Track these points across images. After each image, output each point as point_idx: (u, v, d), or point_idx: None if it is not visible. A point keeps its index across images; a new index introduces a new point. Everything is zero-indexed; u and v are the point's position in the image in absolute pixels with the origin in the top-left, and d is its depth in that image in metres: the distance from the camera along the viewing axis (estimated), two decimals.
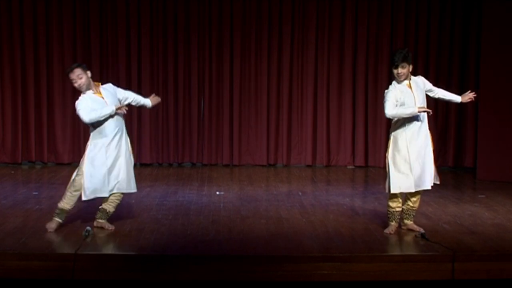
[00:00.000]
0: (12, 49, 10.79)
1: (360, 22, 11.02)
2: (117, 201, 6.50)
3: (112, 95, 6.41)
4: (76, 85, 6.28)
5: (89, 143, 6.34)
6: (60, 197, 6.47)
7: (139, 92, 10.65)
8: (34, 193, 8.39)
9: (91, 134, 6.34)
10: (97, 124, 6.26)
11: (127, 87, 10.52)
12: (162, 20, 10.94)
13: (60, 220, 6.40)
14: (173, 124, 11.03)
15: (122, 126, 6.42)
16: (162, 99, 10.78)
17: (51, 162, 11.00)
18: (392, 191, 6.26)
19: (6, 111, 10.87)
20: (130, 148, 6.52)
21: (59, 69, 10.79)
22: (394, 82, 6.31)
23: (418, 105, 6.19)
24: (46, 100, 10.88)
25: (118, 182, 6.36)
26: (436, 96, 6.52)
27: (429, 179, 6.29)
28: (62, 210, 6.37)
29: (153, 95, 6.92)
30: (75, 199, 6.33)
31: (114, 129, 6.31)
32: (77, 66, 6.29)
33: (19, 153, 10.91)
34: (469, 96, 6.49)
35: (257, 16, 11.01)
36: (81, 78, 6.23)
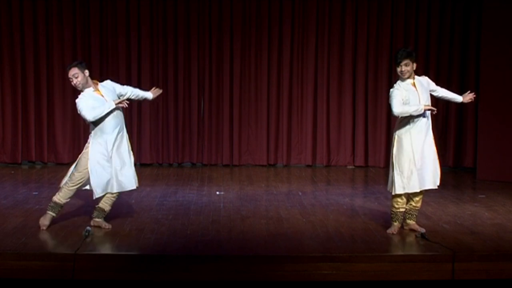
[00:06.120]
0: (12, 49, 10.78)
1: (360, 22, 11.01)
2: (113, 199, 6.49)
3: (111, 92, 6.43)
4: (72, 83, 6.31)
5: (90, 141, 6.33)
6: None
7: None
8: (34, 193, 8.38)
9: (92, 132, 6.34)
10: (99, 121, 6.27)
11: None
12: (162, 20, 10.94)
13: (53, 214, 6.42)
14: (173, 124, 11.02)
15: (122, 123, 6.44)
16: (162, 99, 10.92)
17: (51, 162, 10.99)
18: (396, 192, 6.25)
19: (6, 111, 10.86)
20: (129, 145, 6.54)
21: (59, 69, 10.79)
22: (398, 81, 6.31)
23: (423, 103, 6.21)
24: (46, 100, 10.88)
25: (121, 179, 6.37)
26: (439, 95, 6.57)
27: (432, 179, 6.29)
28: (56, 204, 6.39)
29: (153, 88, 6.93)
30: (71, 193, 6.37)
31: (115, 126, 6.33)
32: (75, 65, 6.29)
33: (19, 153, 10.90)
34: (469, 96, 6.59)
35: (257, 16, 11.01)
36: (77, 77, 6.24)
